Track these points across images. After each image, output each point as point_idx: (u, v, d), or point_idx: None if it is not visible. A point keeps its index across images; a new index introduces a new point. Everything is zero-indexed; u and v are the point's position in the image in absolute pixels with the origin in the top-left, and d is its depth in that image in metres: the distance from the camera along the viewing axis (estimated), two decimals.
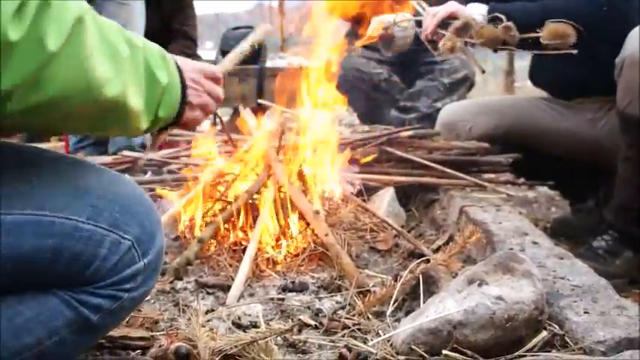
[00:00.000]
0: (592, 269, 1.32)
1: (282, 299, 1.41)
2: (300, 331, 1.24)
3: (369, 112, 3.19)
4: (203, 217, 1.75)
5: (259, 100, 3.38)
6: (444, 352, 1.01)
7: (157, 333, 1.20)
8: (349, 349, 1.11)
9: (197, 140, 2.46)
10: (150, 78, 0.86)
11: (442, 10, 1.92)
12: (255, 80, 3.92)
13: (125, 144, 3.21)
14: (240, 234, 1.70)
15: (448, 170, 2.08)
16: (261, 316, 1.30)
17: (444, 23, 1.91)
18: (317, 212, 1.65)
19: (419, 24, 2.05)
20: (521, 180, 2.36)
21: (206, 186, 1.81)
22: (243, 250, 1.59)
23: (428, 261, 1.41)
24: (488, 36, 1.77)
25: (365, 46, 2.84)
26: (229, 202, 1.76)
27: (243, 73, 3.94)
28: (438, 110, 2.63)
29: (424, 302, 1.20)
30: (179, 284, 1.50)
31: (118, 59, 0.78)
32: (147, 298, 1.38)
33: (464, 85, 3.19)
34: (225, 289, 1.45)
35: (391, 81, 3.23)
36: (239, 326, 1.27)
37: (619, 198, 1.83)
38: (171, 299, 1.43)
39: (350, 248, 1.66)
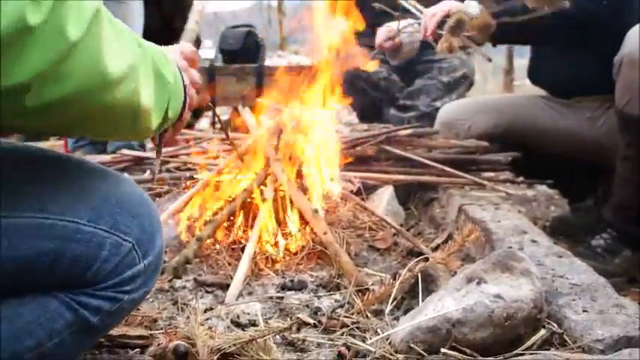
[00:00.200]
0: (591, 268, 1.32)
1: (281, 298, 1.41)
2: (298, 329, 1.24)
3: (368, 111, 3.19)
4: (202, 215, 1.74)
5: (258, 99, 3.38)
6: (443, 350, 1.01)
7: (156, 332, 1.19)
8: (348, 348, 1.11)
9: (196, 139, 2.46)
10: (158, 77, 0.84)
11: (439, 11, 1.92)
12: (254, 79, 3.92)
13: (124, 142, 3.21)
14: (239, 233, 1.70)
15: (447, 169, 2.08)
16: (260, 315, 1.30)
17: (444, 22, 1.91)
18: (316, 211, 1.65)
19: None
20: (521, 179, 2.36)
21: (205, 185, 1.81)
22: (242, 249, 1.59)
23: (427, 259, 1.41)
24: (480, 25, 1.77)
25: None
26: (228, 201, 1.76)
27: (243, 72, 3.94)
28: (437, 109, 2.63)
29: (423, 301, 1.20)
30: (178, 283, 1.50)
31: (131, 56, 0.74)
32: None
33: (463, 83, 3.19)
34: (224, 287, 1.45)
35: (390, 79, 3.23)
36: (238, 325, 1.27)
37: (618, 197, 1.83)
38: (170, 298, 1.43)
39: (349, 247, 1.66)
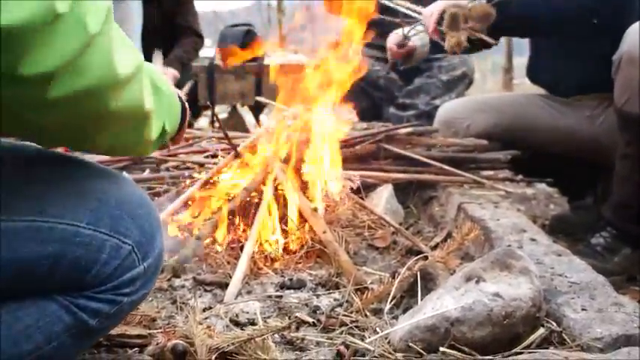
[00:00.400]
0: (590, 266, 1.32)
1: (280, 297, 1.41)
2: (297, 328, 1.24)
3: (367, 110, 3.19)
4: (201, 214, 1.74)
5: (257, 98, 3.38)
6: (442, 349, 1.00)
7: (155, 331, 1.19)
8: (347, 347, 1.11)
9: (195, 138, 2.46)
10: (155, 87, 0.84)
11: (435, 10, 1.92)
12: (254, 78, 3.92)
13: None
14: (238, 232, 1.70)
15: (446, 167, 2.08)
16: (258, 314, 1.30)
17: (442, 19, 1.91)
18: (315, 210, 1.65)
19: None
20: (520, 177, 2.36)
21: (204, 184, 1.81)
22: (241, 248, 1.59)
23: (426, 258, 1.40)
24: (480, 14, 1.76)
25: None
26: (227, 200, 1.76)
27: (242, 71, 3.94)
28: (437, 107, 2.63)
29: (422, 299, 1.20)
30: (177, 282, 1.50)
31: (134, 59, 0.74)
32: None
33: (462, 82, 3.19)
34: (223, 286, 1.45)
35: (390, 78, 3.23)
36: (237, 324, 1.27)
37: (617, 195, 1.83)
38: (169, 297, 1.43)
39: (348, 245, 1.66)
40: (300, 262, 1.60)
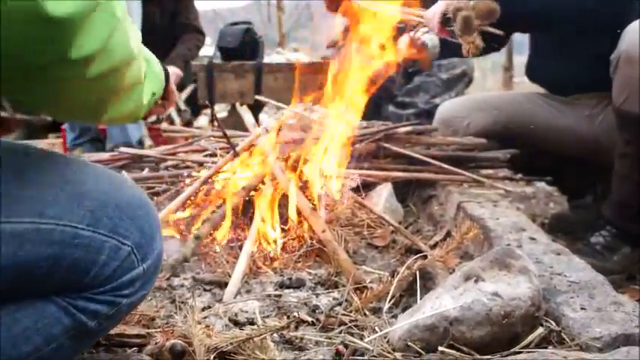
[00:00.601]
0: (589, 265, 1.32)
1: (279, 296, 1.41)
2: (296, 327, 1.24)
3: (366, 108, 3.18)
4: (200, 214, 1.74)
5: (257, 97, 3.38)
6: (440, 348, 1.00)
7: (154, 330, 1.19)
8: (346, 346, 1.11)
9: (194, 137, 2.46)
10: (145, 58, 0.91)
11: (437, 10, 1.91)
12: (253, 76, 3.92)
13: (122, 140, 3.22)
14: (238, 231, 1.70)
15: (446, 166, 2.08)
16: (257, 313, 1.30)
17: (446, 19, 1.90)
18: (314, 209, 1.65)
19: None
20: (519, 176, 2.36)
21: (203, 183, 1.80)
22: (240, 247, 1.58)
23: (425, 257, 1.40)
24: (484, 11, 1.75)
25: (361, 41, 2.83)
26: (226, 199, 1.75)
27: (241, 69, 3.94)
28: (436, 106, 2.63)
29: (421, 298, 1.19)
30: (176, 281, 1.50)
31: (137, 40, 0.82)
32: None
33: (462, 80, 3.19)
34: (222, 285, 1.45)
35: (389, 76, 3.22)
36: (236, 323, 1.27)
37: (617, 194, 1.82)
38: (168, 296, 1.43)
39: (347, 244, 1.65)
40: (299, 262, 1.60)
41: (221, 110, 5.25)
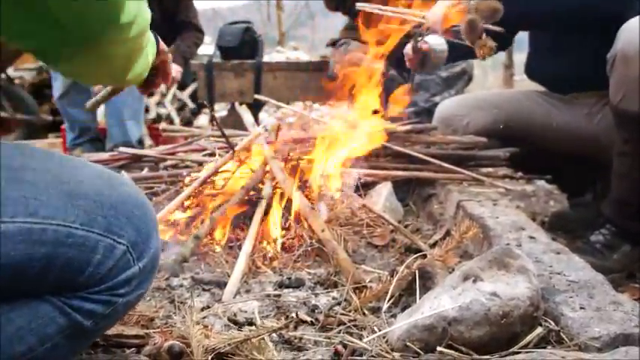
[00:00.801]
0: (589, 264, 1.32)
1: (279, 295, 1.41)
2: (295, 327, 1.24)
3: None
4: (199, 213, 1.74)
5: (256, 96, 3.37)
6: (439, 348, 1.00)
7: (152, 330, 1.19)
8: (344, 346, 1.11)
9: (194, 136, 2.46)
10: None
11: (439, 11, 1.90)
12: (253, 75, 3.92)
13: (122, 140, 3.22)
14: (237, 230, 1.70)
15: (445, 165, 2.07)
16: (256, 313, 1.30)
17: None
18: (313, 208, 1.65)
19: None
20: (519, 174, 2.35)
21: (202, 183, 1.80)
22: (240, 247, 1.58)
23: (425, 256, 1.40)
24: (487, 11, 1.74)
25: (361, 41, 2.82)
26: (225, 199, 1.75)
27: (241, 68, 3.93)
28: (436, 104, 2.63)
29: (420, 298, 1.19)
30: (175, 281, 1.49)
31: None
32: None
33: (462, 79, 3.19)
34: (222, 285, 1.45)
35: (389, 74, 3.22)
36: (235, 323, 1.26)
37: (616, 193, 1.82)
38: (167, 296, 1.42)
39: (346, 244, 1.65)
40: (298, 261, 1.60)
41: (221, 109, 5.25)
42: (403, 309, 1.28)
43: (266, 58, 4.44)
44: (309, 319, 1.27)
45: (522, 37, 2.38)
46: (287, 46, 8.70)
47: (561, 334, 1.04)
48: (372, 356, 1.07)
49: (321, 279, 1.50)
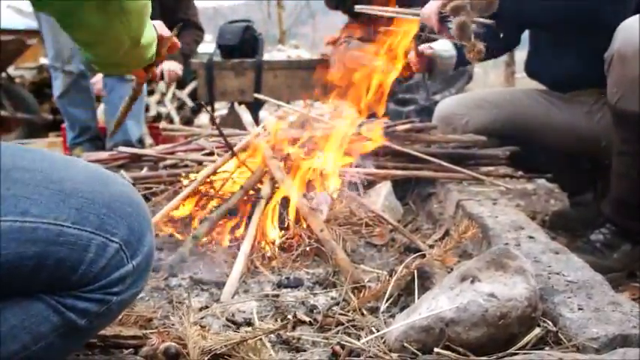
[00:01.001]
0: (588, 264, 1.31)
1: (277, 295, 1.41)
2: (294, 327, 1.24)
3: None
4: (198, 213, 1.74)
5: (255, 95, 3.37)
6: (436, 349, 1.00)
7: (150, 331, 1.19)
8: (342, 347, 1.11)
9: (194, 135, 2.45)
10: None
11: (433, 9, 1.90)
12: (253, 74, 3.91)
13: (122, 139, 3.22)
14: (236, 230, 1.70)
15: (445, 164, 2.07)
16: (255, 313, 1.30)
17: (443, 16, 1.88)
18: (312, 208, 1.64)
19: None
20: (519, 173, 2.35)
21: (201, 182, 1.80)
22: (238, 247, 1.58)
23: (424, 256, 1.40)
24: (482, 3, 1.73)
25: (360, 39, 2.83)
26: (224, 199, 1.75)
27: (241, 67, 3.93)
28: (437, 103, 2.62)
29: (419, 298, 1.19)
30: (173, 281, 1.49)
31: None
32: (141, 295, 1.38)
33: (462, 77, 3.18)
34: (220, 285, 1.45)
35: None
36: (234, 323, 1.26)
37: (615, 192, 1.81)
38: (166, 296, 1.42)
39: (345, 243, 1.65)
40: (297, 261, 1.60)
41: (222, 108, 5.25)
42: (402, 309, 1.28)
43: (267, 57, 4.44)
44: (307, 319, 1.27)
45: (523, 35, 2.37)
46: (288, 45, 8.69)
47: (559, 334, 1.04)
48: (370, 357, 1.06)
49: (319, 279, 1.50)
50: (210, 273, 1.54)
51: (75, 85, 3.40)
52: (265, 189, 1.73)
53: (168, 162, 2.23)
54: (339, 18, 3.71)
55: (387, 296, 1.30)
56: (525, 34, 2.33)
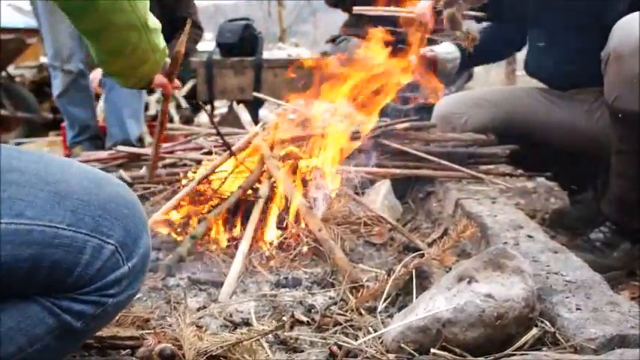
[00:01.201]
0: (586, 264, 1.30)
1: (275, 295, 1.40)
2: (292, 327, 1.23)
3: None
4: (196, 213, 1.73)
5: (255, 93, 3.36)
6: (433, 350, 0.99)
7: (147, 332, 1.18)
8: (339, 347, 1.10)
9: (193, 134, 2.45)
10: None
11: (426, 6, 1.89)
12: (253, 73, 3.90)
13: (122, 138, 3.22)
14: (234, 230, 1.69)
15: (444, 162, 2.06)
16: (252, 313, 1.29)
17: (438, 12, 1.88)
18: (310, 207, 1.64)
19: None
20: (519, 171, 2.34)
21: (199, 182, 1.80)
22: (236, 246, 1.58)
23: (423, 255, 1.39)
24: None
25: (359, 37, 2.81)
26: (222, 199, 1.75)
27: (240, 66, 3.92)
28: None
29: (417, 297, 1.18)
30: (171, 281, 1.49)
31: None
32: (138, 296, 1.37)
33: (462, 76, 3.17)
34: (218, 285, 1.44)
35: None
36: (232, 323, 1.26)
37: (615, 190, 1.80)
38: (164, 296, 1.42)
39: (343, 243, 1.64)
40: (295, 260, 1.60)
41: (222, 106, 5.24)
42: (400, 309, 1.27)
43: (267, 55, 4.42)
44: (305, 319, 1.26)
45: None
46: (288, 43, 8.68)
47: (557, 335, 1.03)
48: (367, 357, 1.06)
49: (318, 278, 1.50)
50: (208, 273, 1.54)
51: (74, 84, 3.40)
52: (264, 188, 1.72)
53: (167, 161, 2.23)
54: (340, 16, 3.70)
55: (385, 296, 1.29)
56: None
